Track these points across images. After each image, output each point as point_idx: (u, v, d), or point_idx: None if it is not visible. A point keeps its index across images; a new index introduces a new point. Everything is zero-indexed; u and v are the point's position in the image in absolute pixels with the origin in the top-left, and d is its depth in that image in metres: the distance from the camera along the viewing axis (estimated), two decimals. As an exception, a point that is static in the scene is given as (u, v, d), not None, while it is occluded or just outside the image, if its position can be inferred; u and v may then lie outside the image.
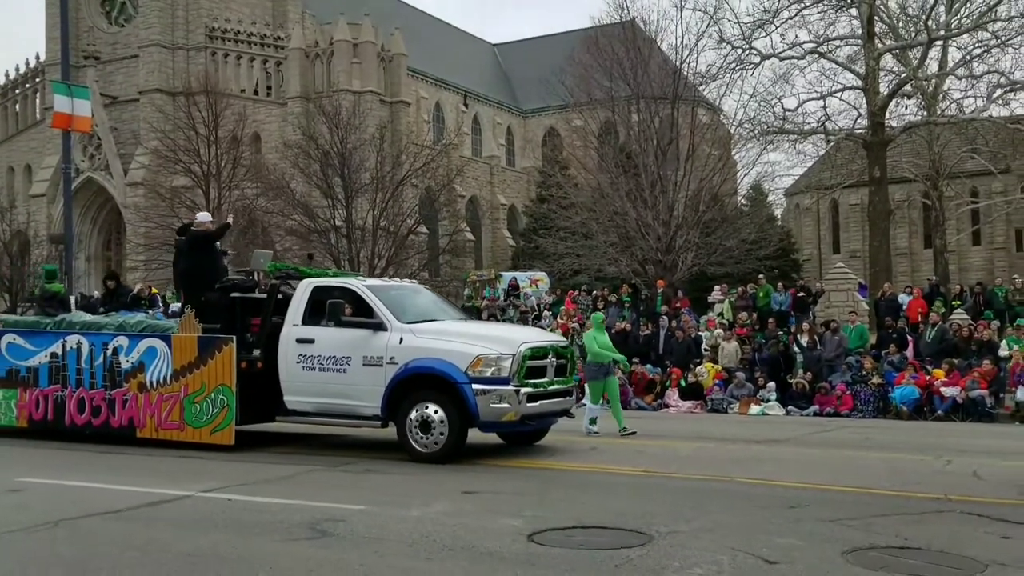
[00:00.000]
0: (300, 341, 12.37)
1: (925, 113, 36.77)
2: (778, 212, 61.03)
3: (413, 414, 11.54)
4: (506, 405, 11.40)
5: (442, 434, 11.45)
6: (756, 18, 34.60)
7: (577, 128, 41.19)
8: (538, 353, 11.97)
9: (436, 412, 11.47)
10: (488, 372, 11.41)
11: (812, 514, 8.63)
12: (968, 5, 34.02)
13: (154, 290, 22.01)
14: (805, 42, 35.01)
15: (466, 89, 70.82)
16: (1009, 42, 32.77)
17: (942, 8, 34.05)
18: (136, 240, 48.28)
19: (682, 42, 33.49)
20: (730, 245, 31.71)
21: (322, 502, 9.08)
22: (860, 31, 34.32)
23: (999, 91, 33.94)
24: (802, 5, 34.52)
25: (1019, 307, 24.42)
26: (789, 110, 35.74)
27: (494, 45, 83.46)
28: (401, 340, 11.78)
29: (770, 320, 24.27)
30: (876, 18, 34.19)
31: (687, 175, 31.98)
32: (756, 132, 34.90)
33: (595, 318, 16.83)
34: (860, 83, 34.89)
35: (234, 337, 12.76)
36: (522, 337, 12.43)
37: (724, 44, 34.47)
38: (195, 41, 57.17)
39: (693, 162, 32.23)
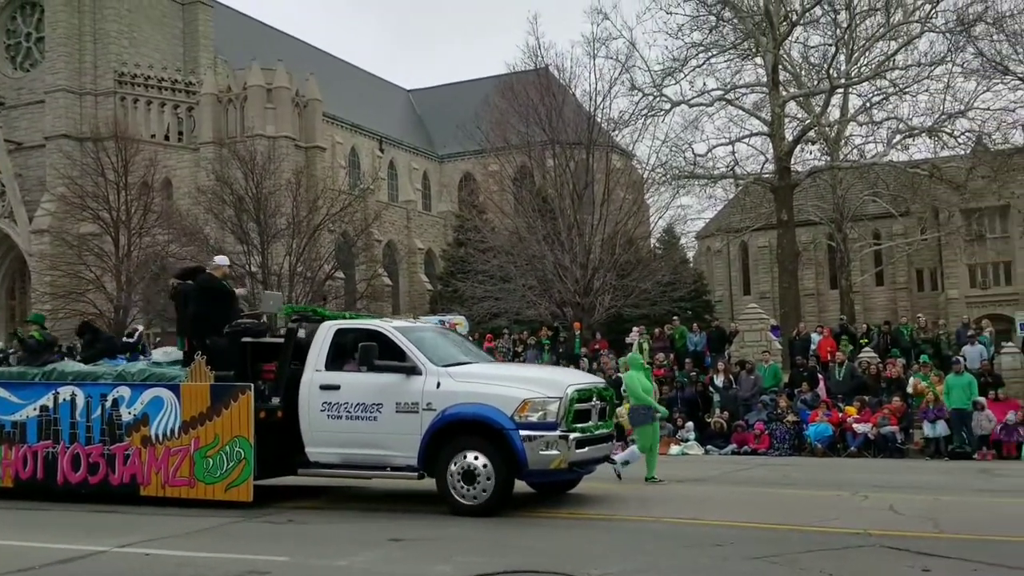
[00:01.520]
0: (324, 388, 11.50)
1: (829, 158, 38.00)
2: (690, 255, 62.30)
3: (455, 464, 10.77)
4: (555, 452, 10.66)
5: (487, 485, 10.66)
6: (666, 66, 35.48)
7: (493, 173, 41.56)
8: (584, 396, 11.26)
9: (480, 461, 10.69)
10: (535, 417, 10.64)
11: (738, 552, 8.74)
12: (867, 54, 35.42)
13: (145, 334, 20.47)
14: (713, 89, 35.98)
15: (382, 134, 70.90)
16: (907, 89, 34.16)
17: (842, 57, 35.39)
18: (42, 289, 46.88)
19: (595, 89, 34.13)
20: (645, 287, 32.22)
21: (246, 554, 8.88)
22: (765, 79, 35.41)
23: (898, 136, 35.30)
24: (709, 54, 35.55)
25: (924, 345, 25.26)
26: (699, 155, 36.61)
27: (409, 91, 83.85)
28: (438, 384, 10.98)
29: (686, 360, 24.67)
30: (780, 67, 35.32)
31: (602, 219, 32.47)
32: (668, 177, 35.64)
33: (634, 360, 15.75)
34: (766, 129, 35.93)
35: (251, 385, 11.83)
36: (568, 379, 11.65)
37: (636, 91, 35.24)
38: (104, 86, 56.17)
39: (608, 206, 32.75)
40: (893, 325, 28.73)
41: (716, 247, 64.68)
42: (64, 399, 12.77)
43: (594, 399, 11.43)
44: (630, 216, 34.22)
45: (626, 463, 13.98)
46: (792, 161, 36.57)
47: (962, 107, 33.03)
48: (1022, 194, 49.90)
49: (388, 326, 12.12)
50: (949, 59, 32.85)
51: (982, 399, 20.00)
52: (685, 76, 35.57)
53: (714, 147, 37.03)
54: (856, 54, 35.23)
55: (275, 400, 11.83)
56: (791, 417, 21.14)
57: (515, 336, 29.23)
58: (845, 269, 45.40)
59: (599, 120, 34.32)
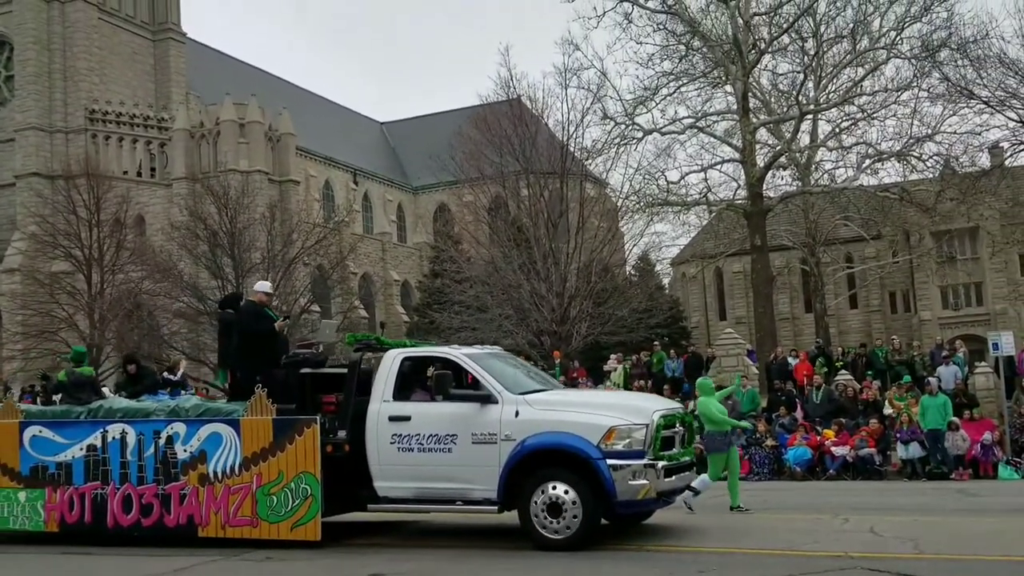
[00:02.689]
0: (393, 419, 10.97)
1: (800, 183, 38.37)
2: (666, 281, 62.56)
3: (539, 496, 10.26)
4: (643, 481, 10.14)
5: (575, 517, 10.14)
6: (637, 95, 35.81)
7: (468, 203, 41.64)
8: (669, 422, 10.79)
9: (567, 493, 10.19)
10: (621, 445, 10.15)
11: (720, 578, 8.72)
12: (835, 81, 35.90)
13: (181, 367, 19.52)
14: (684, 117, 36.34)
15: (355, 167, 71.02)
16: (874, 115, 34.65)
17: (811, 84, 35.84)
18: (13, 328, 46.40)
19: (568, 118, 34.34)
20: (622, 314, 32.30)
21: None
22: (736, 106, 35.79)
23: (867, 161, 35.72)
24: (680, 83, 35.91)
25: (899, 367, 25.44)
26: (672, 182, 36.88)
27: (382, 123, 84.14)
28: (516, 413, 10.50)
29: (665, 387, 24.71)
30: (750, 94, 35.72)
31: (578, 247, 32.58)
32: (642, 204, 35.85)
33: (704, 384, 14.98)
34: (738, 156, 36.28)
35: (317, 418, 11.26)
36: (653, 405, 11.19)
37: (608, 120, 35.50)
38: (74, 123, 56.02)
39: (583, 234, 32.88)
40: (868, 347, 28.92)
41: (691, 273, 64.99)
42: (113, 437, 12.10)
43: (677, 425, 11.06)
44: (605, 244, 34.36)
45: (697, 492, 13.34)
46: (764, 187, 36.91)
47: (929, 131, 33.51)
48: (991, 215, 50.64)
49: (458, 353, 11.67)
50: (915, 84, 33.39)
51: (956, 419, 20.14)
52: (656, 105, 35.95)
53: (687, 174, 37.35)
54: (824, 81, 35.70)
55: (341, 433, 11.30)
56: (770, 441, 21.20)
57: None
58: (819, 293, 45.73)
59: (572, 149, 34.53)
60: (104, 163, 51.78)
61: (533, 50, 65.79)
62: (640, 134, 35.84)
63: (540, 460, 10.37)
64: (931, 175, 35.51)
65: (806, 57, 35.43)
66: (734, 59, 34.52)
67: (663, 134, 36.32)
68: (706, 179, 37.29)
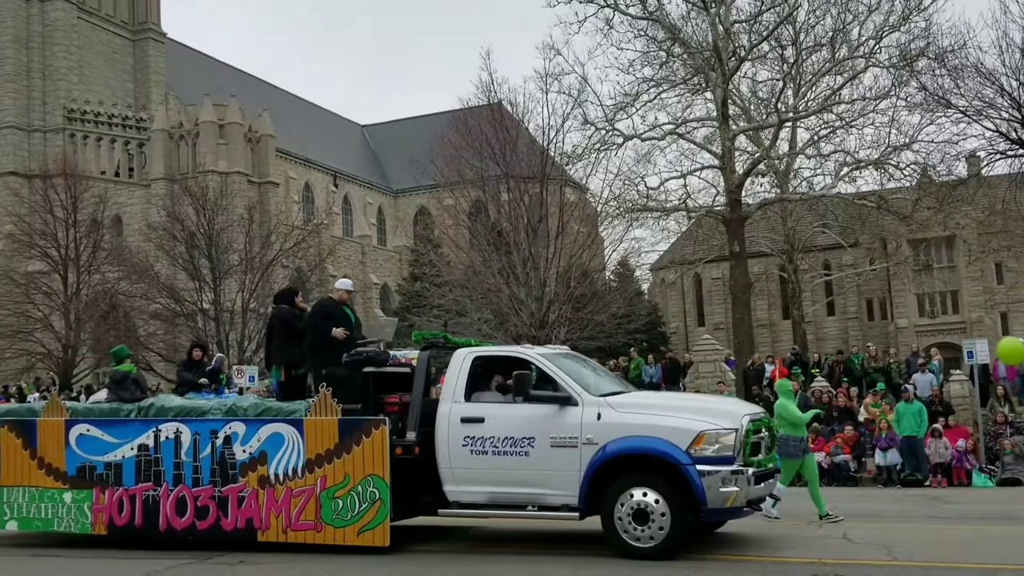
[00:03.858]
0: (466, 421, 10.59)
1: (779, 190, 38.49)
2: (645, 287, 62.72)
3: (623, 503, 9.90)
4: (734, 488, 9.78)
5: (662, 526, 9.78)
6: (618, 101, 35.80)
7: (448, 207, 41.56)
8: (757, 427, 10.47)
9: (654, 499, 9.82)
10: (711, 451, 9.80)
11: (694, 584, 8.71)
12: (814, 89, 36.05)
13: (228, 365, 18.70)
14: (664, 124, 36.34)
15: (336, 169, 70.84)
16: (853, 123, 34.76)
17: (790, 92, 35.98)
18: (-13, 328, 45.89)
19: (548, 123, 34.31)
20: (601, 319, 32.34)
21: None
22: (715, 113, 35.86)
23: (845, 169, 35.86)
24: (660, 89, 35.94)
25: (874, 374, 25.58)
26: (652, 188, 36.87)
27: (363, 126, 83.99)
28: (599, 416, 10.13)
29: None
30: (730, 101, 35.80)
31: (557, 252, 32.59)
32: (621, 210, 35.84)
33: (783, 386, 14.48)
34: (717, 162, 36.35)
35: (386, 419, 10.83)
36: (741, 409, 10.85)
37: (588, 125, 35.47)
38: (53, 123, 55.66)
39: (563, 239, 32.89)
40: (845, 354, 29.07)
41: (670, 279, 65.18)
42: (167, 437, 11.66)
43: (763, 430, 10.69)
44: (584, 249, 34.38)
45: (777, 500, 12.95)
46: (743, 193, 36.98)
47: (907, 140, 33.68)
48: (967, 224, 51.06)
49: (532, 352, 11.25)
50: (893, 93, 33.55)
51: (939, 427, 20.26)
52: (637, 111, 35.94)
53: (666, 180, 37.37)
54: (803, 89, 35.85)
55: (410, 435, 10.88)
56: (746, 447, 21.24)
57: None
58: (797, 300, 45.91)
59: (553, 154, 34.55)
60: (82, 163, 51.47)
61: (514, 55, 66.09)
62: (620, 140, 35.87)
63: (624, 465, 10.02)
64: (908, 183, 35.69)
65: (785, 65, 35.58)
66: (714, 66, 34.62)
67: (643, 140, 36.35)
68: (686, 185, 37.37)
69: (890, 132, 33.92)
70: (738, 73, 36.37)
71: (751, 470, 10.01)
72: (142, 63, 61.85)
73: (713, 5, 34.08)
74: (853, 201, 38.73)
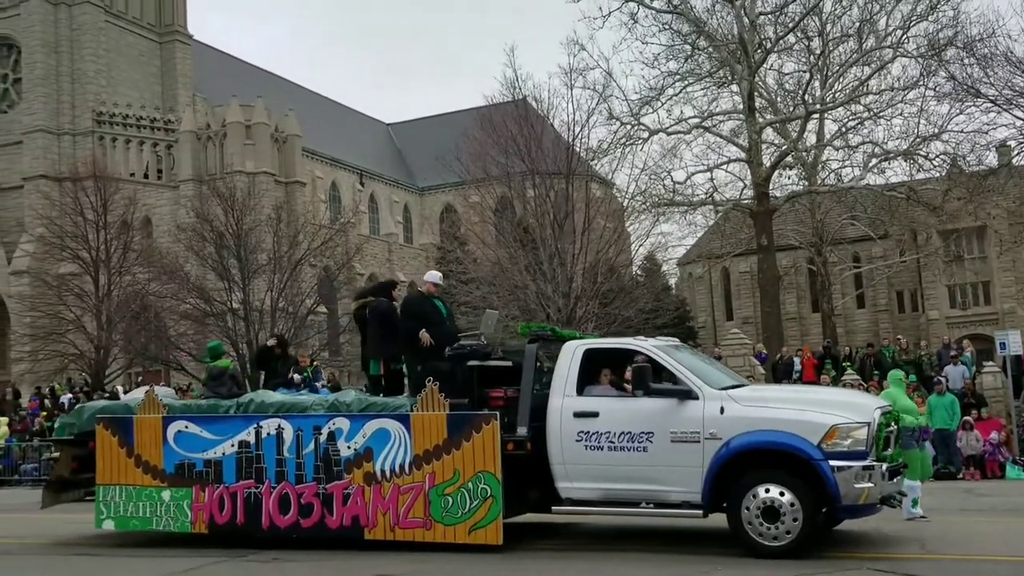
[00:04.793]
0: (579, 415, 10.33)
1: (806, 183, 38.29)
2: (672, 281, 62.58)
3: (752, 499, 9.58)
4: (867, 484, 9.47)
5: (795, 522, 9.44)
6: (643, 95, 35.77)
7: (474, 204, 41.62)
8: (888, 420, 10.16)
9: (784, 496, 9.50)
10: (844, 446, 9.48)
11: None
12: (841, 80, 35.82)
13: (313, 362, 18.23)
14: (690, 117, 36.28)
15: (361, 168, 71.11)
16: (881, 114, 34.53)
17: (817, 84, 35.78)
18: (22, 330, 46.58)
19: (573, 119, 34.21)
20: (628, 315, 32.25)
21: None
22: (742, 106, 35.74)
23: (874, 160, 35.63)
24: (686, 83, 35.88)
25: (906, 367, 25.34)
26: (678, 182, 36.82)
27: (388, 124, 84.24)
28: (722, 410, 9.85)
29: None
30: (756, 94, 35.66)
31: (584, 247, 32.53)
32: (648, 204, 35.81)
33: (895, 376, 14.17)
34: (744, 155, 36.22)
35: (497, 414, 10.62)
36: (871, 402, 10.66)
37: (614, 120, 35.45)
38: (82, 126, 56.21)
39: (589, 235, 32.83)
40: (875, 347, 28.87)
41: (698, 273, 64.92)
42: (268, 433, 11.48)
43: (892, 423, 10.35)
44: (611, 244, 34.31)
45: (915, 501, 12.58)
46: (770, 186, 36.84)
47: (936, 130, 33.40)
48: (998, 214, 50.46)
49: (648, 344, 10.91)
50: (922, 83, 33.28)
51: (970, 419, 20.07)
52: (662, 104, 35.90)
53: (693, 174, 37.30)
54: (830, 80, 35.62)
55: (521, 430, 10.60)
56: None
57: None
58: (826, 292, 45.61)
59: (578, 149, 34.50)
60: (111, 165, 51.96)
61: (538, 51, 66.05)
62: (646, 134, 35.82)
63: (751, 461, 9.72)
64: (938, 174, 35.39)
65: (812, 56, 35.37)
66: (740, 59, 34.48)
67: (669, 134, 36.31)
68: (712, 179, 37.27)
69: (919, 122, 33.69)
70: (764, 65, 36.23)
71: (884, 465, 9.75)
72: (169, 65, 62.35)
73: (738, -3, 33.95)
74: (882, 192, 38.45)
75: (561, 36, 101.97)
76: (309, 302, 40.80)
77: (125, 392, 29.26)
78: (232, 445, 11.63)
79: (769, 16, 35.36)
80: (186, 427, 11.93)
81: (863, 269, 54.65)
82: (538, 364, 11.16)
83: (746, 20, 34.22)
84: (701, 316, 65.36)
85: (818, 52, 35.00)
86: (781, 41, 35.41)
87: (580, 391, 10.53)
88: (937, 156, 34.18)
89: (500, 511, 10.37)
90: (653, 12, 35.33)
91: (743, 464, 9.71)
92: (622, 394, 10.57)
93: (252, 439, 11.53)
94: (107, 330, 42.11)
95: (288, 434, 11.40)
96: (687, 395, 10.03)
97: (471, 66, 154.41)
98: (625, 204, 36.84)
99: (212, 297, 38.32)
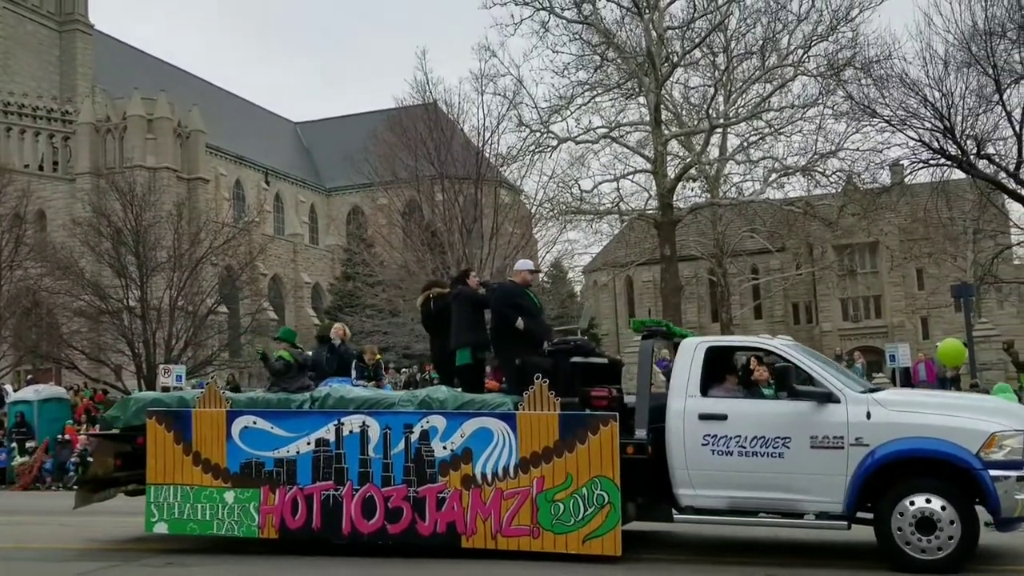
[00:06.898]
0: (704, 418, 9.54)
1: (709, 195, 39.04)
2: (578, 288, 63.16)
3: (904, 510, 8.91)
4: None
5: (951, 536, 8.77)
6: (552, 104, 36.01)
7: (382, 206, 41.43)
8: None
9: (941, 507, 8.84)
10: (1001, 454, 8.87)
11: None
12: (744, 96, 36.66)
13: (377, 356, 16.50)
14: (598, 127, 36.64)
15: (267, 167, 70.05)
16: (781, 130, 35.41)
17: (721, 98, 36.55)
18: (-98, 325, 44.43)
19: (483, 124, 34.41)
20: (534, 321, 32.48)
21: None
22: (648, 118, 36.27)
23: (774, 175, 36.51)
24: (595, 93, 36.25)
25: (800, 375, 26.06)
26: (585, 191, 37.13)
27: (296, 124, 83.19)
28: (868, 415, 9.15)
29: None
30: (662, 106, 36.23)
31: (491, 253, 32.73)
32: (555, 212, 36.07)
33: (1002, 386, 13.50)
34: (650, 166, 36.76)
35: (616, 415, 9.76)
36: (1021, 409, 9.99)
37: (523, 127, 35.61)
38: (-26, 113, 54.07)
39: (497, 240, 33.06)
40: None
41: (603, 281, 65.75)
42: (351, 431, 10.46)
43: None
44: (518, 250, 34.56)
45: None
46: (674, 198, 37.42)
47: (833, 147, 34.39)
48: (890, 231, 52.46)
49: (777, 343, 10.29)
50: (821, 102, 34.23)
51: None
52: (571, 113, 36.19)
53: (600, 183, 37.64)
54: (734, 95, 36.43)
55: (639, 432, 9.76)
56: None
57: (404, 370, 29.11)
58: (726, 303, 46.68)
59: (487, 155, 34.64)
60: (4, 155, 50.20)
61: (450, 55, 66.06)
62: (555, 142, 36.10)
63: (901, 469, 9.07)
64: (834, 190, 36.49)
65: (717, 72, 36.14)
66: (647, 71, 35.03)
67: (577, 143, 36.62)
68: (618, 189, 37.69)
69: (817, 140, 34.62)
70: (671, 79, 36.84)
71: None
72: (69, 55, 60.42)
73: (647, 11, 34.52)
74: (781, 207, 39.44)
75: (472, 41, 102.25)
76: (210, 301, 40.03)
77: (14, 391, 28.25)
78: (308, 443, 10.62)
79: (676, 31, 36.04)
80: (254, 423, 10.90)
81: (761, 281, 56.11)
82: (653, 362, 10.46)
83: (654, 34, 34.81)
84: (605, 323, 66.21)
85: (723, 68, 35.79)
86: (687, 56, 36.08)
87: (705, 392, 9.78)
88: (834, 173, 35.22)
89: (619, 519, 9.60)
90: (564, 22, 35.65)
91: (891, 473, 9.10)
92: (749, 395, 10.03)
93: (332, 437, 10.54)
94: (-4, 326, 40.59)
95: (374, 432, 10.43)
96: (828, 398, 9.35)
97: (381, 68, 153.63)
98: (533, 211, 37.09)
99: (108, 294, 37.32)
